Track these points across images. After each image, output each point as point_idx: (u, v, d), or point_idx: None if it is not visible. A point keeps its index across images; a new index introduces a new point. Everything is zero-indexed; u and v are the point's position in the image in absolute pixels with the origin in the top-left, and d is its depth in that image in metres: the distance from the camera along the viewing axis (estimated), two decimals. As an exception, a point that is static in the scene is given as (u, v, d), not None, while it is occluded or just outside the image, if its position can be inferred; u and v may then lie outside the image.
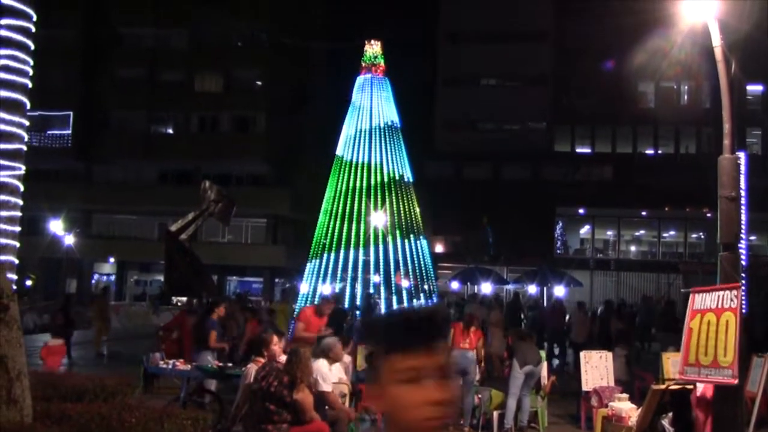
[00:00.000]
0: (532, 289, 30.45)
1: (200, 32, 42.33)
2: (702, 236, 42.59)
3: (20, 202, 8.03)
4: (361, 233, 20.02)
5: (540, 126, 45.36)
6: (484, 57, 43.46)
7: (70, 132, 42.90)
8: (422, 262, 20.84)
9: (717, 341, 6.38)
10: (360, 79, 21.52)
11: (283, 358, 7.85)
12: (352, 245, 20.01)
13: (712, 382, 6.56)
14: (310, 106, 43.62)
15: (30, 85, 8.05)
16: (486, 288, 29.68)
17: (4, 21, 7.83)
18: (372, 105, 21.19)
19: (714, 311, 6.49)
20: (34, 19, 8.01)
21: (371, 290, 19.83)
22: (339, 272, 20.02)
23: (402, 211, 20.59)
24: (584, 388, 10.32)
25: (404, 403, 1.76)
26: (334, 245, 20.21)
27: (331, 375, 8.14)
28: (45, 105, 34.61)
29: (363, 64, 21.44)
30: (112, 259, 42.93)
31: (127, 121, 42.86)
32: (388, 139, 21.09)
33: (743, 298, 6.68)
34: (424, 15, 47.08)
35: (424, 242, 21.57)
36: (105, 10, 42.65)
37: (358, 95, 21.46)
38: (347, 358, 10.90)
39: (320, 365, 8.00)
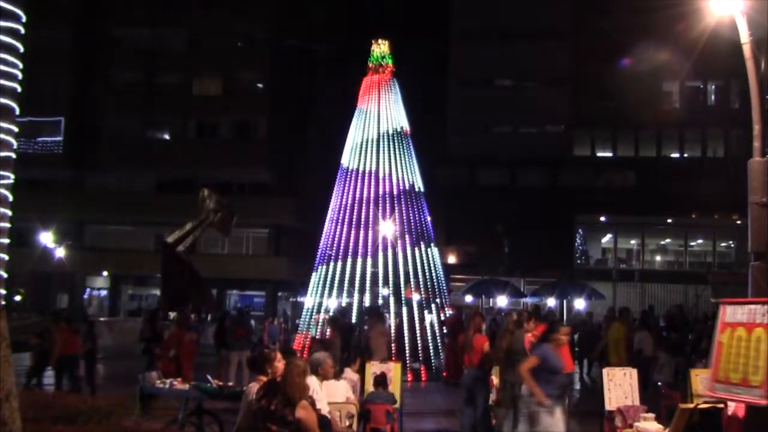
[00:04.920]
0: (551, 302, 30.34)
1: (199, 33, 42.53)
2: (732, 245, 42.39)
3: (9, 212, 8.06)
4: (369, 243, 20.00)
5: (558, 129, 45.30)
6: (498, 56, 43.49)
7: (61, 139, 43.12)
8: (434, 274, 20.79)
9: (748, 358, 6.33)
10: (366, 81, 21.51)
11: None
12: (359, 256, 19.99)
13: (741, 401, 6.52)
14: (314, 110, 43.71)
15: (19, 90, 8.11)
16: (502, 301, 29.57)
17: (-8, 22, 7.89)
18: (380, 110, 21.14)
19: (745, 326, 6.44)
20: (24, 20, 8.08)
21: (380, 304, 19.79)
22: (345, 285, 20.00)
23: (412, 220, 20.55)
24: (607, 407, 10.24)
25: None
26: (340, 256, 20.20)
27: (323, 393, 8.13)
28: (35, 110, 34.82)
29: (370, 65, 21.46)
30: (105, 273, 43.03)
31: (121, 126, 43.02)
32: (397, 147, 21.03)
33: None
34: (435, 12, 47.24)
35: (436, 252, 21.52)
36: (98, 11, 42.93)
37: (364, 100, 21.45)
38: (355, 376, 10.88)
39: (310, 382, 8.01)
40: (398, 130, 21.22)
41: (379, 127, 20.96)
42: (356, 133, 21.37)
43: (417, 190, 21.27)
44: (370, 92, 21.38)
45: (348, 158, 21.37)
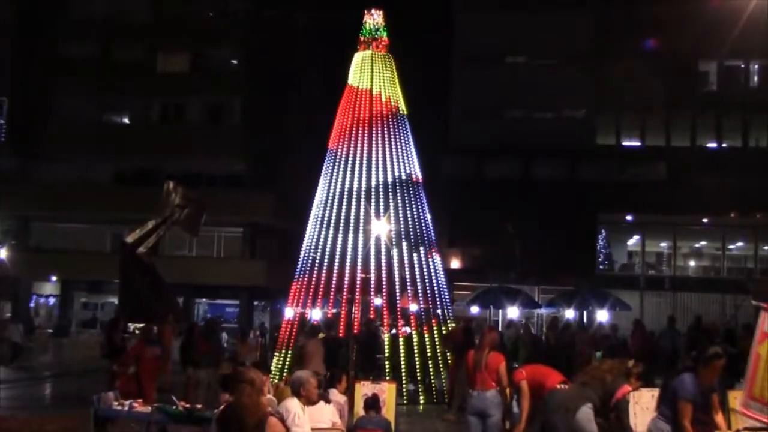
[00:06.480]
0: (569, 313, 30.40)
1: (164, 1, 42.45)
2: (776, 248, 42.55)
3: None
4: (360, 245, 19.97)
5: (579, 114, 45.36)
6: (510, 29, 43.48)
7: (3, 122, 43.00)
8: (434, 281, 20.78)
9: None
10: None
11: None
12: (348, 260, 19.97)
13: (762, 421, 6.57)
14: (296, 91, 43.65)
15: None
16: (513, 312, 29.61)
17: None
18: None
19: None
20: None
21: (371, 315, 19.79)
22: (332, 293, 19.98)
23: (410, 219, 20.45)
24: (633, 433, 10.29)
25: None
26: (326, 260, 20.17)
27: (306, 417, 8.15)
28: (-26, 89, 34.84)
29: (362, 39, 21.46)
30: (54, 278, 42.95)
31: (74, 108, 42.96)
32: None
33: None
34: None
35: (437, 256, 21.50)
36: (47, -26, 42.90)
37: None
38: (342, 399, 10.88)
39: (292, 405, 8.03)
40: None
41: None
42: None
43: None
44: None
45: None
